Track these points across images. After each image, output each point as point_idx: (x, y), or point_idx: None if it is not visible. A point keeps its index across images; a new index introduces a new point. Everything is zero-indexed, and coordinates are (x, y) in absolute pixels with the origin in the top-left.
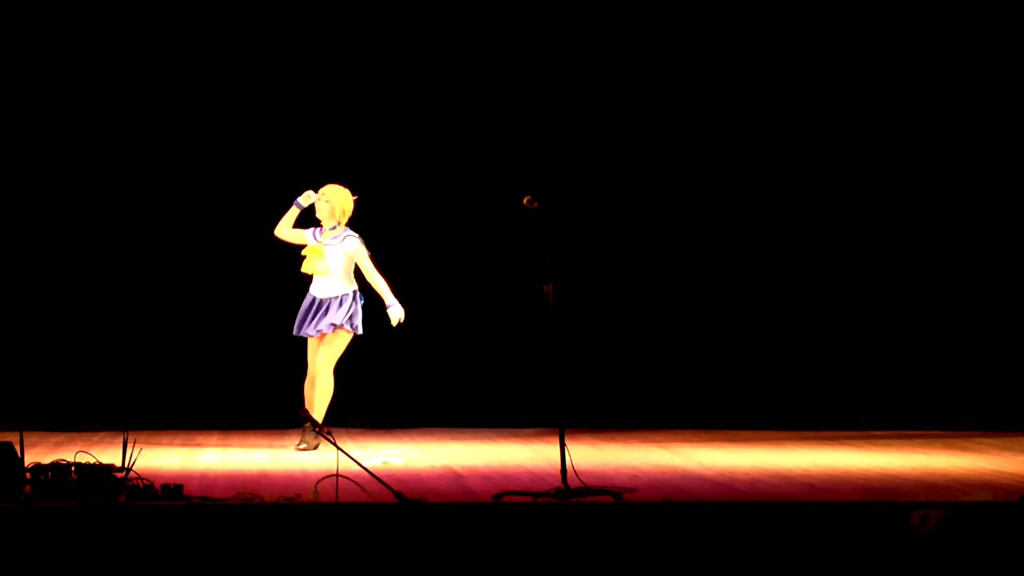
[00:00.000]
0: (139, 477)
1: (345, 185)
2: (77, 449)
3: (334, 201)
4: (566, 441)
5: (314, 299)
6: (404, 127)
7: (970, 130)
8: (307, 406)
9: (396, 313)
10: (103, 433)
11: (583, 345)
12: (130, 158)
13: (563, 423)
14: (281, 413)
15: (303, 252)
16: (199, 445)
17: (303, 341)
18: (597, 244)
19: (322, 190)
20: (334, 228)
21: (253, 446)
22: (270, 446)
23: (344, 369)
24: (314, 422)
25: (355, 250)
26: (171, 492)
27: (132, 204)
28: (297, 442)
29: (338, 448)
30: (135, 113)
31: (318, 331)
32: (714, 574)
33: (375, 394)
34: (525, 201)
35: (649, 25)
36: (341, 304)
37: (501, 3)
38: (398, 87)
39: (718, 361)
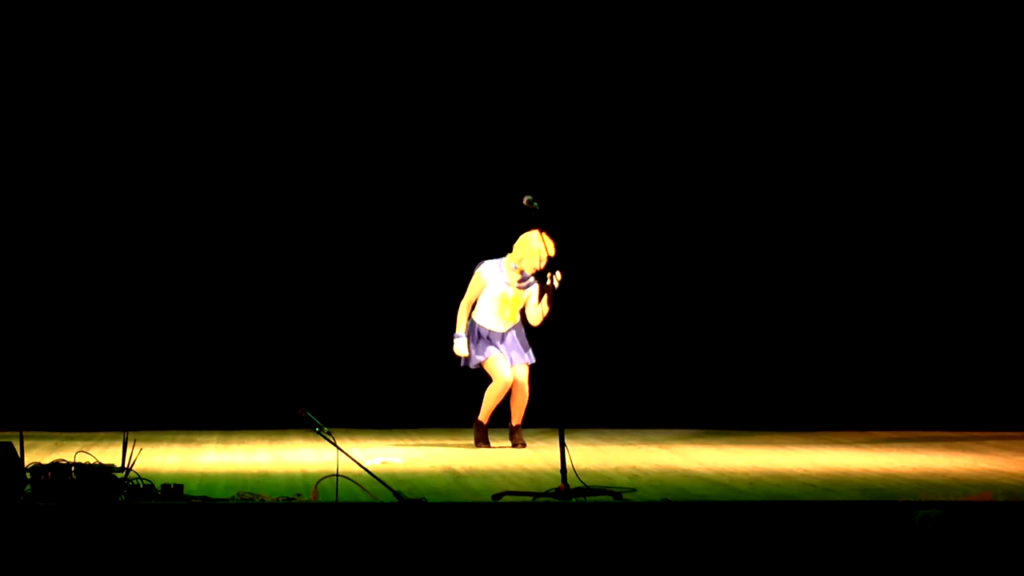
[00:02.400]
0: (139, 477)
1: (345, 186)
2: (77, 449)
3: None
4: (566, 441)
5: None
6: (405, 127)
7: (970, 131)
8: (517, 410)
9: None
10: (103, 433)
11: (583, 345)
12: (130, 160)
13: (563, 423)
14: (281, 413)
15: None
16: (199, 445)
17: (307, 340)
18: (598, 244)
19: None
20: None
21: (253, 446)
22: (270, 446)
23: (345, 369)
24: (315, 422)
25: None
26: (171, 492)
27: (132, 205)
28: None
29: (338, 448)
30: (134, 116)
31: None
32: (714, 574)
33: (375, 394)
34: (525, 201)
35: (651, 25)
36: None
37: (503, 3)
38: (400, 87)
39: (718, 361)
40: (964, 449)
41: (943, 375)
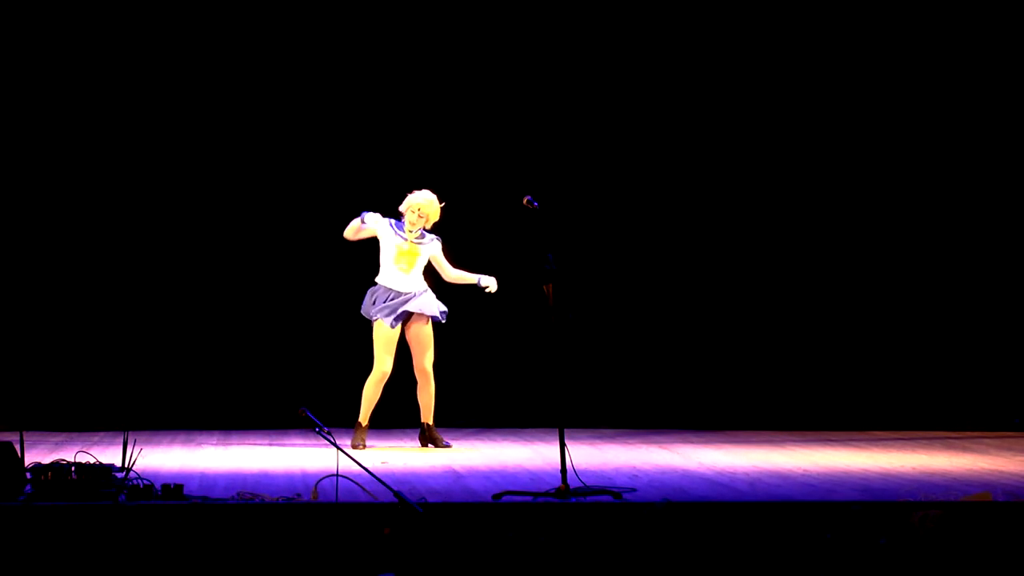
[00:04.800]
0: (139, 477)
1: (344, 185)
2: (77, 449)
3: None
4: (566, 441)
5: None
6: (405, 127)
7: (969, 131)
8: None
9: (490, 282)
10: (103, 433)
11: (583, 345)
12: (130, 160)
13: (563, 423)
14: (281, 413)
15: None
16: (199, 445)
17: (307, 340)
18: (597, 244)
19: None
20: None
21: (253, 446)
22: (270, 446)
23: (344, 369)
24: (315, 422)
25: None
26: (171, 492)
27: (132, 204)
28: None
29: (338, 448)
30: (134, 115)
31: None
32: (714, 574)
33: None
34: (525, 201)
35: (649, 25)
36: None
37: (503, 3)
38: (400, 87)
39: (717, 361)
40: (964, 449)
41: (943, 375)
